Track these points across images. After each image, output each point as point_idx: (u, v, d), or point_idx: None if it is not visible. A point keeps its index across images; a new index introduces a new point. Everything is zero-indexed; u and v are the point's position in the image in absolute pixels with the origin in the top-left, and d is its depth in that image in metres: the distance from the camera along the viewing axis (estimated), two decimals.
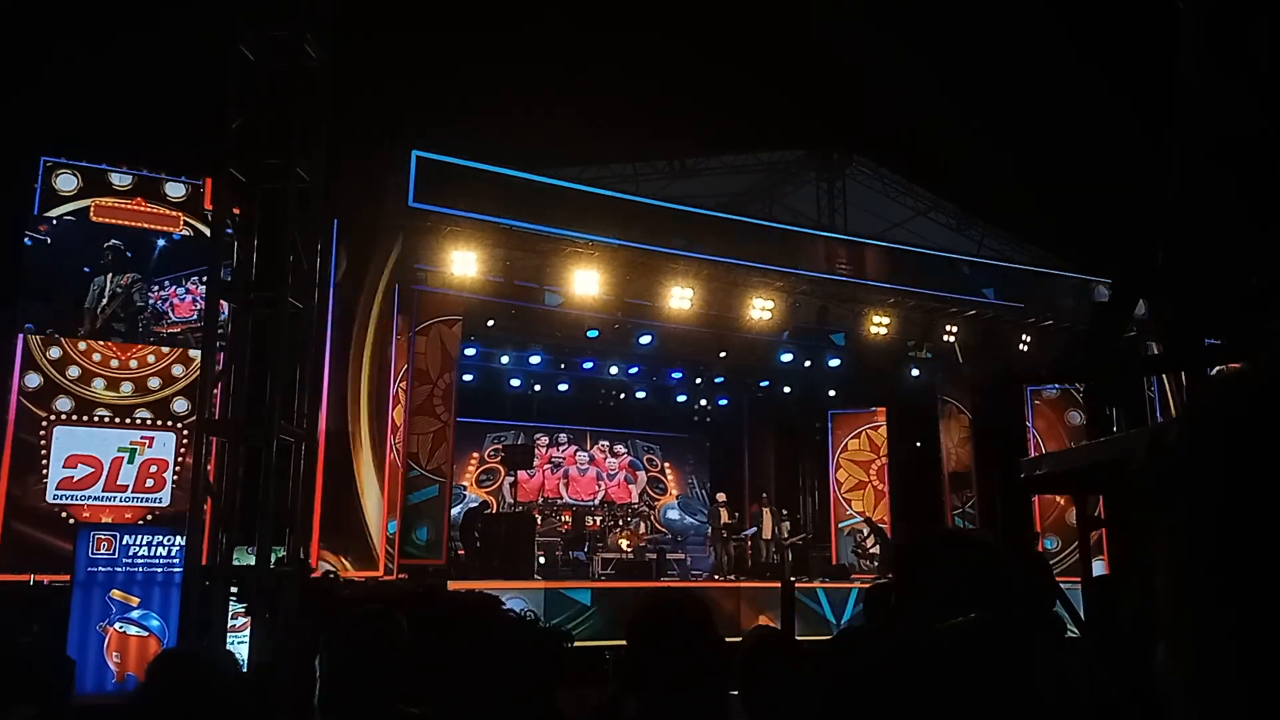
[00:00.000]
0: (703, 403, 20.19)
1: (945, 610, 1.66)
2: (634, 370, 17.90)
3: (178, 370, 11.35)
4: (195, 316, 11.22)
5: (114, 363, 11.09)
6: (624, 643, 2.25)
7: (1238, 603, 0.52)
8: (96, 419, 10.96)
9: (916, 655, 1.06)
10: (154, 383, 11.24)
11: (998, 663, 1.24)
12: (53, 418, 10.78)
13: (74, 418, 10.87)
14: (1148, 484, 0.59)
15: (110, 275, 11.18)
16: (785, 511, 17.52)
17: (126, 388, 11.14)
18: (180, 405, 11.22)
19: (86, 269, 11.16)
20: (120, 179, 11.41)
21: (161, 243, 11.51)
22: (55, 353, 10.89)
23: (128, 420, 11.08)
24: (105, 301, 11.13)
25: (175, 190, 11.56)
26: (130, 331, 11.19)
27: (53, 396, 10.84)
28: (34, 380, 10.79)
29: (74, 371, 10.92)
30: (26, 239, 11.01)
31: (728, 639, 2.43)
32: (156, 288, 11.37)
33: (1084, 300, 16.23)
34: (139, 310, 11.26)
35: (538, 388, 18.23)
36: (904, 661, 1.05)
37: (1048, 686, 1.28)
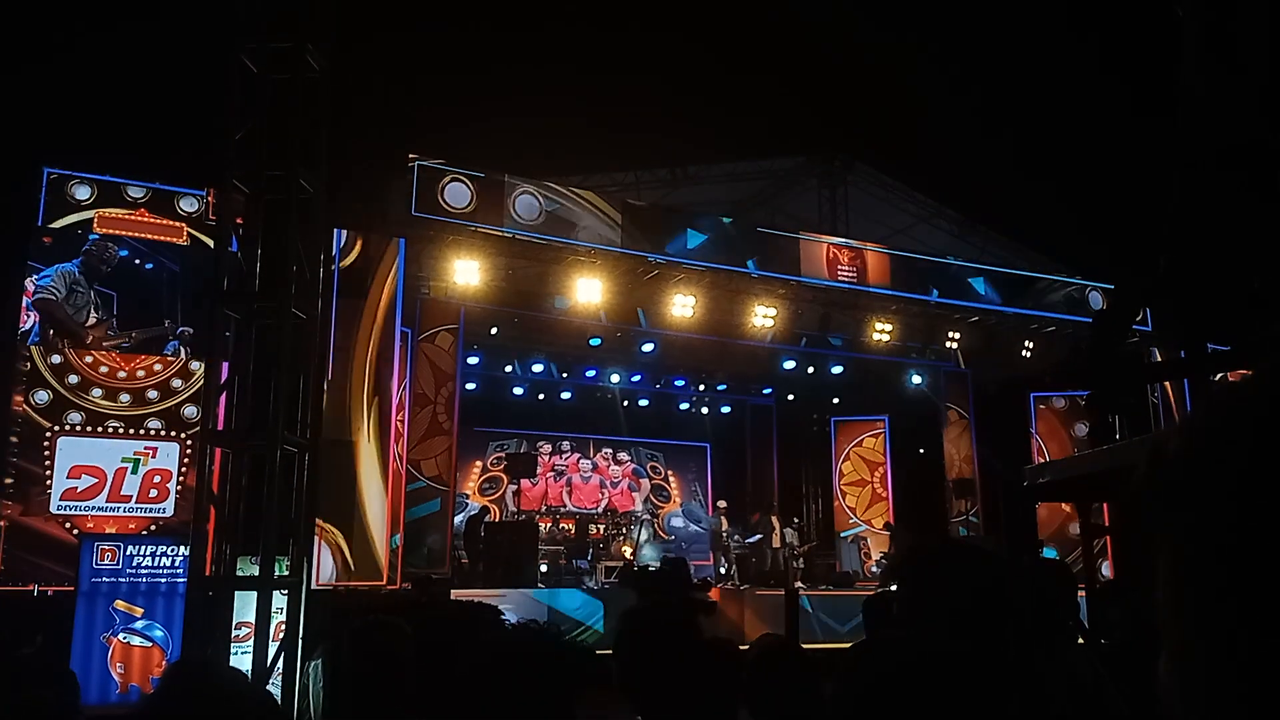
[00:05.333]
0: (705, 410, 20.17)
1: (950, 621, 1.66)
2: (637, 378, 17.89)
3: (176, 384, 11.35)
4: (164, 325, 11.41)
5: (104, 368, 11.07)
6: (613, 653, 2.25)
7: (1240, 617, 0.52)
8: (100, 430, 10.96)
9: (947, 668, 1.05)
10: (152, 394, 11.25)
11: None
12: (56, 428, 10.79)
13: (78, 429, 10.86)
14: (1149, 496, 0.58)
15: (93, 288, 11.22)
16: (796, 520, 17.51)
17: (126, 398, 11.14)
18: (189, 412, 11.21)
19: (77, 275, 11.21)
20: (136, 191, 11.47)
21: (149, 266, 11.55)
22: (56, 359, 10.89)
23: (131, 431, 11.09)
24: (88, 313, 11.15)
25: (189, 205, 11.61)
26: (96, 341, 11.20)
27: (57, 407, 10.83)
28: (39, 394, 10.79)
29: (73, 380, 10.91)
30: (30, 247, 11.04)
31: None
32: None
33: (1087, 306, 16.23)
34: (108, 319, 11.29)
35: (541, 396, 18.22)
36: (933, 673, 1.04)
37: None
